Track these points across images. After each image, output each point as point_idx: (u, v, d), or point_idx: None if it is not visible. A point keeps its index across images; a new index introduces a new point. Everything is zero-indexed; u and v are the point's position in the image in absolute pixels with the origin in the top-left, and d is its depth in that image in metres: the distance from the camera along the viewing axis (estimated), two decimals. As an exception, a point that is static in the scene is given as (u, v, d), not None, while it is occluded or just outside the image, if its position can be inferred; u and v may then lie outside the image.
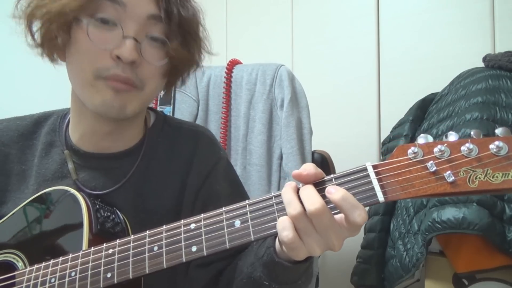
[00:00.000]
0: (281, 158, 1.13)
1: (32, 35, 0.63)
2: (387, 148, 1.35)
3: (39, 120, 0.76)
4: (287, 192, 0.47)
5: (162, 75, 0.66)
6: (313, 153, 1.17)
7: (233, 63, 1.23)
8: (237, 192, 0.76)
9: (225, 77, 1.20)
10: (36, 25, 0.62)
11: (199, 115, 1.21)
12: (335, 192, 0.45)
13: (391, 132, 1.40)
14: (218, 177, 0.73)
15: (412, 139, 1.26)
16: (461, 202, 0.91)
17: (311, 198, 0.45)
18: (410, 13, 1.59)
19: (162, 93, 1.25)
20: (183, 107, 1.21)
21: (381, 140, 1.51)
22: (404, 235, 1.10)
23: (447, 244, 1.00)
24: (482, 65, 1.23)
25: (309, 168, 0.48)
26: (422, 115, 1.33)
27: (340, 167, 1.23)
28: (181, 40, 0.65)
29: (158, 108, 1.25)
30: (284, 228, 0.45)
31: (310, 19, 1.82)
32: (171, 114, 1.23)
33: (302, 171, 0.48)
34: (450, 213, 0.91)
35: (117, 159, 0.70)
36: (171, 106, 1.23)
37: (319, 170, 0.49)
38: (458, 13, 1.49)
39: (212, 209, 0.52)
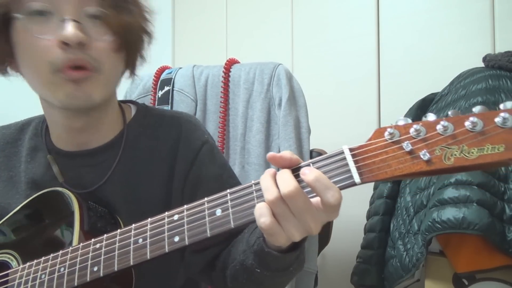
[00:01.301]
0: (279, 157, 1.13)
1: None
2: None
3: (23, 127, 0.76)
4: (265, 178, 0.47)
5: (115, 51, 0.64)
6: (311, 152, 1.17)
7: (230, 63, 1.23)
8: (225, 174, 0.75)
9: (222, 76, 1.20)
10: None
11: (197, 115, 1.21)
12: (309, 173, 0.45)
13: (391, 132, 1.39)
14: (205, 160, 0.73)
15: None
16: (461, 202, 0.91)
17: (286, 182, 0.46)
18: (410, 13, 1.59)
19: (160, 93, 1.25)
20: (181, 106, 1.21)
21: (381, 140, 1.50)
22: (404, 235, 1.10)
23: (447, 244, 1.00)
24: (482, 65, 1.23)
25: (285, 153, 0.49)
26: (422, 115, 1.31)
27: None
28: (119, 8, 0.63)
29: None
30: (261, 214, 0.46)
31: (310, 20, 1.82)
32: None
33: (276, 154, 0.48)
34: (450, 213, 0.90)
35: (99, 154, 0.70)
36: (169, 106, 1.23)
37: (296, 156, 0.49)
38: (458, 13, 1.49)
39: (203, 192, 0.53)
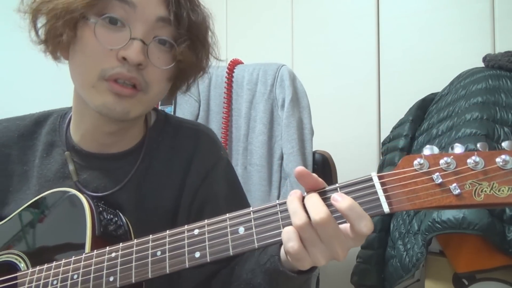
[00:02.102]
0: (282, 158, 1.13)
1: (36, 31, 0.62)
2: (387, 148, 1.35)
3: (39, 120, 0.75)
4: (293, 201, 0.46)
5: (168, 79, 0.65)
6: (314, 153, 1.17)
7: (234, 63, 1.23)
8: (235, 194, 0.75)
9: (226, 77, 1.20)
10: (41, 21, 0.61)
11: (200, 115, 1.21)
12: (341, 200, 0.44)
13: (391, 132, 1.40)
14: (217, 177, 0.73)
15: (412, 139, 1.26)
16: (461, 202, 0.91)
17: (317, 208, 0.45)
18: (410, 13, 1.59)
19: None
20: (185, 107, 1.21)
21: (381, 140, 1.51)
22: (404, 235, 1.10)
23: (447, 244, 1.00)
24: (482, 65, 1.24)
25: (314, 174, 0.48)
26: (422, 115, 1.33)
27: (341, 167, 1.24)
28: (189, 44, 0.64)
29: (159, 108, 1.25)
30: (289, 239, 0.45)
31: (310, 19, 1.82)
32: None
33: (305, 170, 0.47)
34: (450, 213, 0.91)
35: (118, 159, 0.70)
36: (172, 106, 1.23)
37: (321, 180, 0.48)
38: (458, 13, 1.49)
39: (210, 210, 0.52)
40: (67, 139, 0.71)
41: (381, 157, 1.48)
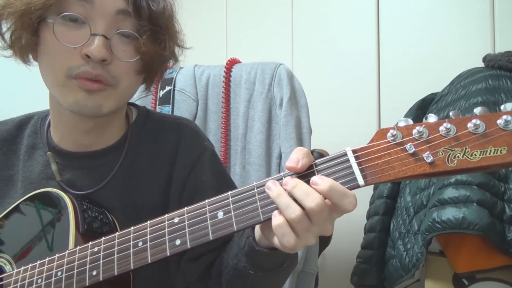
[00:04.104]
0: (280, 157, 1.13)
1: (2, 36, 0.62)
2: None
3: (20, 124, 0.75)
4: (281, 194, 0.45)
5: (135, 72, 0.65)
6: (312, 152, 1.17)
7: (232, 62, 1.23)
8: (223, 183, 0.75)
9: (224, 76, 1.20)
10: (6, 26, 0.61)
11: (198, 115, 1.21)
12: (322, 182, 0.44)
13: (391, 132, 1.40)
14: (203, 168, 0.73)
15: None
16: (461, 202, 0.91)
17: (311, 195, 0.44)
18: (410, 13, 1.59)
19: (161, 92, 1.25)
20: (182, 106, 1.21)
21: (381, 140, 1.50)
22: (404, 235, 1.10)
23: (447, 244, 1.00)
24: (482, 65, 1.23)
25: (302, 156, 0.47)
26: (422, 115, 1.32)
27: (340, 167, 1.23)
28: (152, 35, 0.63)
29: (157, 108, 1.25)
30: (284, 234, 0.45)
31: (310, 19, 1.82)
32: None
33: (295, 165, 0.47)
34: (450, 213, 0.90)
35: (100, 157, 0.70)
36: (170, 106, 1.23)
37: (311, 157, 0.48)
38: (458, 13, 1.49)
39: (199, 201, 0.52)
40: (48, 140, 0.71)
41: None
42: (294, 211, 0.44)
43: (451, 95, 1.19)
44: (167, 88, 1.24)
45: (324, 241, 1.20)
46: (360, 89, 1.67)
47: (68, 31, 0.58)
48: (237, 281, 0.60)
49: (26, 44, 0.60)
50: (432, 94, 1.35)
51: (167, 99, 1.24)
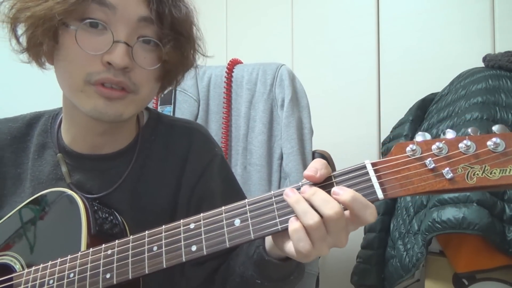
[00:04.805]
0: (281, 158, 1.13)
1: (17, 39, 0.60)
2: (387, 148, 1.35)
3: (31, 122, 0.74)
4: (299, 201, 0.45)
5: (156, 79, 0.64)
6: (313, 153, 1.17)
7: (233, 63, 1.23)
8: (231, 190, 0.75)
9: (225, 76, 1.20)
10: (21, 29, 0.59)
11: (199, 115, 1.21)
12: (343, 193, 0.44)
13: (391, 132, 1.40)
14: (213, 174, 0.72)
15: (412, 139, 1.26)
16: (461, 202, 0.91)
17: (329, 203, 0.44)
18: (410, 13, 1.59)
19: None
20: (184, 106, 1.21)
21: (381, 140, 1.51)
22: (404, 235, 1.10)
23: (447, 244, 1.00)
24: (482, 65, 1.23)
25: (321, 167, 0.47)
26: (422, 115, 1.33)
27: (341, 167, 1.23)
28: (174, 42, 0.63)
29: (159, 108, 1.24)
30: (300, 239, 0.45)
31: (310, 19, 1.82)
32: (171, 114, 1.23)
33: (314, 174, 0.47)
34: (450, 213, 0.91)
35: (111, 160, 0.69)
36: (172, 106, 1.23)
37: (329, 169, 0.48)
38: (458, 13, 1.49)
39: (207, 207, 0.52)
40: (58, 140, 0.70)
41: (381, 157, 1.48)
42: (312, 217, 0.44)
43: (451, 95, 1.19)
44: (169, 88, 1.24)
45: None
46: (360, 89, 1.67)
47: (90, 38, 0.57)
48: None
49: (48, 50, 0.59)
50: (432, 94, 1.35)
51: (169, 99, 1.24)
